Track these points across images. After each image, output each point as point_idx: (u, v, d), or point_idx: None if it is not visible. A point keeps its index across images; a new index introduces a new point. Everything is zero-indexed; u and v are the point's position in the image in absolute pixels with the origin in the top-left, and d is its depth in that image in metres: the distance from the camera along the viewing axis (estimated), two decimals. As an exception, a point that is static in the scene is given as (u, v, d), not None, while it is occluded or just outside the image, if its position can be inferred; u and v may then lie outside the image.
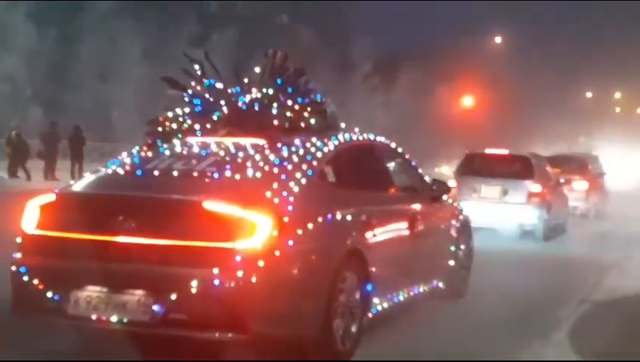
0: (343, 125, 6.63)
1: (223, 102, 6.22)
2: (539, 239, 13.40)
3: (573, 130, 43.58)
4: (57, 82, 36.54)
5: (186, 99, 6.30)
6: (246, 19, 44.89)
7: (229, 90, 6.30)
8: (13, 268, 5.24)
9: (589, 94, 56.47)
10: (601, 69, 47.20)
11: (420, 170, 7.54)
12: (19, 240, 5.31)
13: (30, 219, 5.28)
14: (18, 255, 5.28)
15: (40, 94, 36.07)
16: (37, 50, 34.98)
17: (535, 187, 13.98)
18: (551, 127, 44.71)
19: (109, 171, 5.71)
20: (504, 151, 15.35)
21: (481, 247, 8.73)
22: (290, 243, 5.01)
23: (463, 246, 7.92)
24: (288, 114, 6.16)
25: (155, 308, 4.83)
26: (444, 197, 7.68)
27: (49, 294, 5.03)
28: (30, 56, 34.57)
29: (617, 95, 64.03)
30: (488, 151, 15.43)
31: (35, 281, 5.09)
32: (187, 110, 6.26)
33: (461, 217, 8.02)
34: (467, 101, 48.76)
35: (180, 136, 6.16)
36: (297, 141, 5.89)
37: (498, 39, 49.16)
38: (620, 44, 49.39)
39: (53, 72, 36.63)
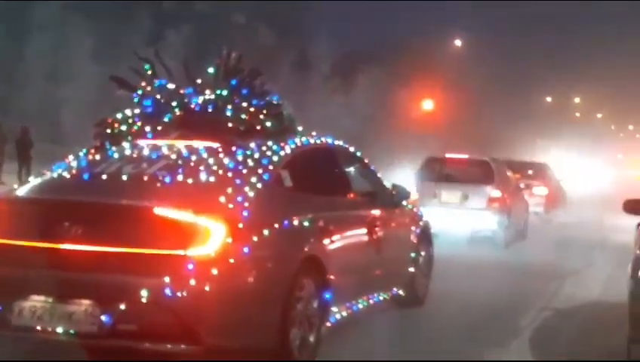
0: (300, 128, 6.47)
1: (174, 104, 6.03)
2: (499, 245, 13.38)
3: (534, 134, 44.05)
4: (3, 81, 35.72)
5: (136, 99, 6.08)
6: (202, 17, 44.39)
7: (182, 91, 6.11)
8: (-47, 276, 4.98)
9: (548, 99, 57.18)
10: (561, 75, 47.91)
11: (379, 175, 7.41)
12: None
13: None
14: (-42, 263, 5.02)
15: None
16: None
17: (495, 192, 13.95)
18: (511, 132, 45.14)
19: (55, 175, 5.49)
20: (464, 156, 15.30)
21: (441, 254, 8.65)
22: (245, 250, 4.86)
23: (423, 253, 7.84)
24: (243, 116, 5.99)
25: (104, 318, 4.65)
26: (404, 202, 7.57)
27: None
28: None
29: (577, 100, 65.03)
30: (448, 155, 15.38)
31: None
32: (137, 111, 6.05)
33: (421, 223, 7.93)
34: (427, 104, 49.00)
35: (129, 138, 5.93)
36: (253, 144, 5.74)
37: (458, 42, 49.47)
38: (580, 50, 50.20)
39: (-1, 69, 35.79)
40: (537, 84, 50.36)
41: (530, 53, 48.52)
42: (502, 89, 47.67)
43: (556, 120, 49.69)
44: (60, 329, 4.69)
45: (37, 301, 4.76)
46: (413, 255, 7.56)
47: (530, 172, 20.05)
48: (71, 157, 5.72)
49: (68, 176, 5.42)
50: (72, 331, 4.68)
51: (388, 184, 7.43)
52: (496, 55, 48.25)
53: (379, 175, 7.44)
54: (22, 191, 5.43)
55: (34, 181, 5.55)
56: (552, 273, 10.23)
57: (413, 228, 7.70)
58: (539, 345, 6.46)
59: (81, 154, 5.76)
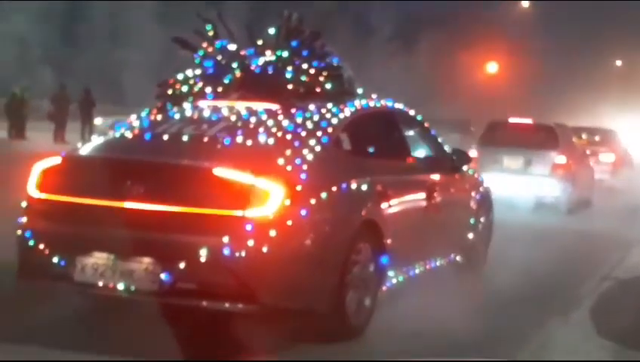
0: (360, 91, 6.42)
1: (235, 65, 6.03)
2: (562, 213, 13.13)
3: (602, 100, 42.89)
4: (67, 43, 36.32)
5: (197, 61, 6.10)
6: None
7: (242, 53, 6.10)
8: (19, 232, 5.14)
9: (618, 63, 55.49)
10: (633, 38, 46.26)
11: (439, 139, 7.33)
12: (24, 204, 5.19)
13: (36, 183, 5.15)
14: (23, 219, 5.18)
15: (49, 55, 35.86)
16: (46, 10, 34.70)
17: (560, 158, 13.67)
18: (578, 96, 44.05)
19: (117, 135, 5.56)
20: (528, 121, 15.00)
21: (502, 220, 8.54)
22: (303, 212, 4.86)
23: (482, 219, 7.75)
24: (303, 78, 5.95)
25: (163, 276, 4.72)
26: (465, 167, 7.48)
27: (55, 260, 4.94)
28: (39, 16, 34.31)
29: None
30: (511, 120, 15.10)
31: (41, 246, 5.00)
32: (198, 72, 6.07)
33: (482, 189, 7.84)
34: (491, 68, 48.08)
35: (190, 99, 5.97)
36: (312, 107, 5.71)
37: (525, 4, 48.22)
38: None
39: (62, 33, 36.37)
40: (607, 47, 48.85)
41: (600, 15, 46.99)
42: (570, 52, 46.42)
43: (626, 85, 48.21)
44: (120, 286, 4.77)
45: (99, 257, 4.85)
46: (472, 221, 7.49)
47: (596, 138, 19.61)
48: (133, 117, 5.80)
49: (130, 136, 5.49)
50: (132, 288, 4.76)
51: (448, 149, 7.34)
52: (564, 16, 46.88)
53: (439, 139, 7.36)
54: (85, 149, 5.52)
55: (97, 140, 5.64)
56: (616, 242, 10.01)
57: (473, 193, 7.62)
58: (599, 315, 6.33)
59: (143, 114, 5.83)
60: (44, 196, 5.12)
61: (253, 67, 6.02)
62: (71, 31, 36.68)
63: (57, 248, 4.95)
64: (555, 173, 13.47)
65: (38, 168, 5.19)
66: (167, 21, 31.13)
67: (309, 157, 5.12)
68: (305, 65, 6.00)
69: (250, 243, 4.66)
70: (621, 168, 19.21)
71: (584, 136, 18.91)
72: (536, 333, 5.68)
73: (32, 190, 5.17)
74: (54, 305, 5.33)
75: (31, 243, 5.03)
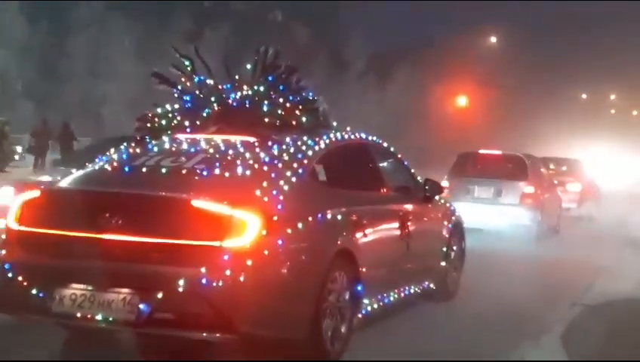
0: (334, 123, 6.57)
1: (213, 99, 6.15)
2: (531, 241, 13.34)
3: (569, 131, 43.58)
4: (48, 77, 36.34)
5: (176, 95, 6.22)
6: (240, 15, 44.74)
7: (220, 87, 6.23)
8: (-3, 264, 5.15)
9: (584, 95, 56.48)
10: (597, 71, 47.22)
11: (412, 170, 7.48)
12: (3, 236, 5.22)
13: (15, 215, 5.19)
14: (2, 251, 5.20)
15: (31, 89, 35.86)
16: (28, 45, 34.78)
17: (529, 188, 13.92)
18: (546, 128, 44.72)
19: (96, 167, 5.63)
20: (497, 152, 15.28)
21: (473, 248, 8.67)
22: (280, 242, 4.95)
23: (455, 247, 7.88)
24: (279, 111, 6.09)
25: (142, 306, 4.75)
26: (437, 197, 7.62)
27: (33, 291, 4.95)
28: (21, 50, 34.36)
29: (612, 97, 64.00)
30: (481, 151, 15.37)
31: (20, 278, 5.01)
32: (177, 106, 6.18)
33: (453, 218, 7.98)
34: (461, 101, 48.71)
35: (169, 132, 6.07)
36: (288, 139, 5.83)
37: (493, 39, 49.13)
38: (615, 47, 49.36)
39: (44, 66, 36.43)
40: (572, 81, 49.76)
41: (566, 50, 47.93)
42: (537, 85, 47.20)
43: (591, 117, 49.05)
44: (99, 317, 4.80)
45: (77, 289, 4.87)
46: (445, 249, 7.62)
47: (563, 168, 19.96)
48: (112, 150, 5.87)
49: (109, 169, 5.56)
50: (110, 318, 4.78)
51: (420, 179, 7.49)
52: (530, 52, 47.76)
53: (412, 170, 7.51)
54: (64, 182, 5.56)
55: (76, 173, 5.69)
56: (584, 269, 10.20)
57: (445, 222, 7.75)
58: (569, 341, 6.43)
59: (122, 147, 5.91)
60: (22, 228, 5.15)
61: (230, 101, 6.15)
62: (51, 65, 36.71)
63: (36, 280, 4.97)
64: (525, 203, 13.72)
65: (17, 201, 5.24)
66: (146, 56, 31.30)
67: (285, 188, 5.21)
68: (281, 99, 6.13)
69: (228, 273, 4.71)
70: (587, 197, 19.54)
71: (552, 166, 19.23)
72: (508, 358, 5.77)
73: (11, 222, 5.20)
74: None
75: (9, 275, 5.04)
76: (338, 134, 6.35)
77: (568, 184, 18.74)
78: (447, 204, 8.17)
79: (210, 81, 6.25)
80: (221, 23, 41.07)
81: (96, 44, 37.10)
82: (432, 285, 7.35)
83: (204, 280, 4.69)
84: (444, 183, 12.07)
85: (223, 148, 5.65)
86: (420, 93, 44.97)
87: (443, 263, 7.56)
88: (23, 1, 35.10)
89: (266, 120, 6.03)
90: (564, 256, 11.60)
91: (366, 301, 5.90)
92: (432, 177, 7.82)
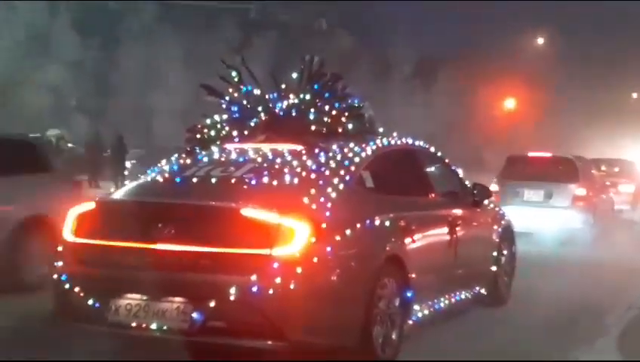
0: (381, 129, 6.59)
1: (260, 109, 6.22)
2: (584, 244, 13.15)
3: (621, 132, 42.83)
4: (100, 91, 37.08)
5: (224, 105, 6.31)
6: (285, 25, 45.08)
7: (267, 97, 6.29)
8: (55, 276, 5.28)
9: (634, 95, 55.44)
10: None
11: (460, 175, 7.45)
12: (60, 248, 5.35)
13: (70, 227, 5.31)
14: (59, 263, 5.32)
15: (84, 103, 36.63)
16: (80, 59, 35.52)
17: (580, 190, 13.73)
18: (596, 130, 44.03)
19: (149, 178, 5.74)
20: (547, 154, 15.10)
21: (524, 253, 8.59)
22: (329, 249, 4.96)
23: (505, 252, 7.82)
24: (326, 119, 6.13)
25: (195, 315, 4.81)
26: (486, 201, 7.58)
27: (89, 302, 5.06)
28: (74, 66, 35.10)
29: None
30: (531, 154, 15.20)
31: (76, 289, 5.12)
32: (225, 117, 6.27)
33: (503, 222, 7.91)
34: (509, 103, 48.21)
35: (218, 142, 6.16)
36: (335, 146, 5.87)
37: (540, 40, 48.51)
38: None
39: (96, 81, 37.18)
40: (622, 81, 48.88)
41: (615, 49, 47.11)
42: (585, 86, 46.49)
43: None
44: (153, 326, 4.87)
45: (132, 299, 4.96)
46: (495, 254, 7.56)
47: (616, 169, 19.65)
48: (163, 161, 5.98)
49: (161, 180, 5.64)
50: (164, 327, 4.85)
51: (469, 183, 7.46)
52: (579, 52, 47.07)
53: (460, 174, 7.48)
54: (117, 194, 5.70)
55: (129, 184, 5.81)
56: (638, 271, 10.02)
57: (495, 227, 7.70)
58: (626, 344, 6.36)
59: (173, 158, 6.01)
60: (78, 240, 5.26)
61: (277, 110, 6.21)
62: (103, 78, 37.48)
63: (92, 290, 5.08)
64: (576, 205, 13.53)
65: (72, 213, 5.36)
66: (195, 67, 31.72)
67: (333, 195, 5.24)
68: (327, 107, 6.17)
69: (278, 280, 4.74)
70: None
71: (603, 167, 18.95)
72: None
73: (67, 234, 5.32)
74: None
75: (66, 286, 5.17)
76: (384, 140, 6.35)
77: (621, 185, 18.43)
78: (497, 208, 8.11)
79: (257, 91, 6.32)
80: (267, 33, 41.43)
81: (146, 57, 37.75)
82: (482, 290, 7.30)
83: (254, 289, 4.73)
84: (494, 187, 12.00)
85: (270, 157, 5.71)
86: (467, 96, 44.66)
87: (493, 268, 7.51)
88: (74, 16, 35.88)
89: (313, 128, 6.07)
90: (617, 259, 11.38)
91: (416, 307, 5.88)
92: (481, 181, 7.77)
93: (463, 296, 6.88)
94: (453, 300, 6.67)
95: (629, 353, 6.09)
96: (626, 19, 46.03)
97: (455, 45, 45.93)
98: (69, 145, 26.59)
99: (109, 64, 37.60)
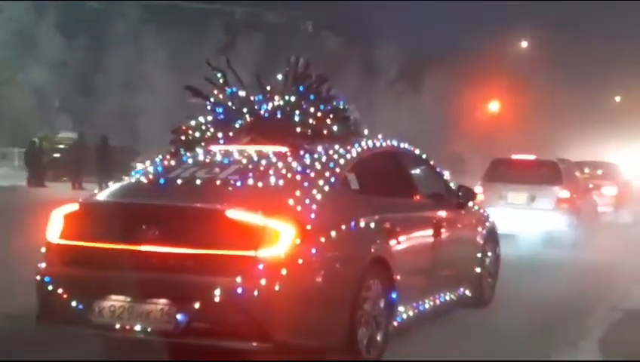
0: (366, 132, 6.60)
1: (245, 110, 6.21)
2: (567, 246, 13.23)
3: (604, 135, 43.14)
4: (85, 92, 36.97)
5: (209, 107, 6.30)
6: (271, 27, 45.08)
7: (252, 98, 6.29)
8: (38, 277, 5.25)
9: (617, 98, 55.81)
10: (630, 73, 46.62)
11: (445, 177, 7.48)
12: (43, 250, 5.32)
13: (54, 229, 5.29)
14: (42, 265, 5.30)
15: (68, 104, 36.49)
16: (65, 60, 35.40)
17: (563, 193, 13.82)
18: (580, 132, 44.32)
19: (133, 180, 5.72)
20: (531, 157, 15.18)
21: (508, 254, 8.63)
22: (314, 251, 4.97)
23: (489, 254, 7.86)
24: (311, 121, 6.13)
25: (179, 317, 4.81)
26: (470, 203, 7.61)
27: (73, 303, 5.04)
28: (58, 66, 34.97)
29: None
30: (515, 156, 15.28)
31: (60, 291, 5.10)
32: (210, 118, 6.26)
33: (487, 224, 7.95)
34: (494, 106, 48.44)
35: (202, 144, 6.15)
36: (320, 148, 5.87)
37: (524, 43, 48.80)
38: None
39: (80, 82, 37.07)
40: (605, 84, 49.24)
41: (598, 52, 47.42)
42: (569, 89, 46.78)
43: (625, 119, 48.44)
44: (137, 328, 4.86)
45: (116, 300, 4.94)
46: (479, 255, 7.60)
47: (599, 172, 19.77)
48: (147, 163, 5.96)
49: (145, 181, 5.63)
50: (149, 329, 4.85)
51: (454, 185, 7.49)
52: (562, 55, 47.35)
53: (445, 177, 7.51)
54: (101, 195, 5.67)
55: (113, 186, 5.79)
56: (621, 273, 10.08)
57: (479, 228, 7.73)
58: (608, 345, 6.40)
59: (157, 160, 6.00)
60: (62, 242, 5.24)
61: (262, 112, 6.20)
62: (88, 80, 37.36)
63: (75, 292, 5.06)
64: (560, 208, 13.61)
65: (56, 214, 5.33)
66: (180, 69, 31.69)
67: (318, 197, 5.24)
68: (312, 109, 6.17)
69: (263, 282, 4.75)
70: (624, 201, 19.32)
71: (586, 170, 19.06)
72: (546, 364, 5.76)
73: (51, 236, 5.30)
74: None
75: (50, 287, 5.14)
76: (370, 142, 6.37)
77: (604, 188, 18.55)
78: (481, 210, 8.14)
79: (242, 93, 6.31)
80: (252, 35, 41.43)
81: (131, 59, 37.65)
82: (467, 292, 7.33)
83: (239, 290, 4.73)
84: (478, 189, 12.04)
85: (255, 158, 5.71)
86: (452, 99, 44.84)
87: (478, 269, 7.54)
88: (59, 16, 35.74)
89: (298, 130, 6.07)
90: (601, 260, 11.47)
91: (401, 308, 5.90)
92: (465, 183, 7.79)
93: (447, 298, 6.91)
94: (437, 301, 6.69)
95: (611, 355, 6.13)
96: (609, 23, 46.36)
97: (440, 48, 46.11)
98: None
99: (94, 65, 37.50)
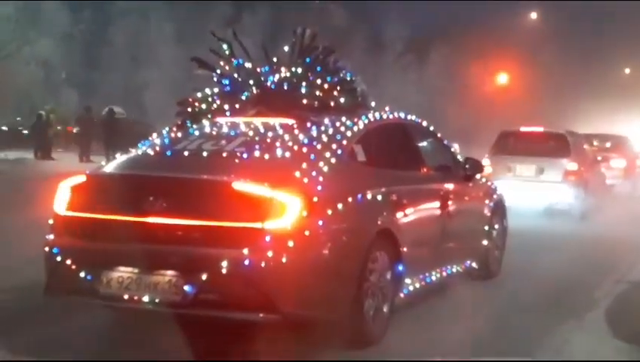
0: (373, 104, 6.57)
1: (251, 82, 6.19)
2: (575, 218, 13.22)
3: (613, 107, 42.90)
4: (91, 65, 36.91)
5: (215, 79, 6.28)
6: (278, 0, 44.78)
7: (258, 70, 6.26)
8: (46, 249, 5.28)
9: (627, 70, 55.39)
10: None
11: (452, 149, 7.45)
12: (51, 221, 5.34)
13: (62, 201, 5.30)
14: (50, 236, 5.32)
15: (74, 78, 36.44)
16: (70, 33, 35.30)
17: (572, 165, 13.77)
18: (589, 105, 44.08)
19: (139, 152, 5.72)
20: (539, 129, 15.10)
21: (516, 227, 8.62)
22: (320, 223, 4.97)
23: (496, 226, 7.86)
24: (317, 93, 6.11)
25: (187, 288, 4.82)
26: (478, 176, 7.59)
27: (81, 274, 5.06)
28: (64, 40, 34.87)
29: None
30: (523, 129, 15.20)
31: (68, 262, 5.12)
32: (216, 90, 6.24)
33: (495, 196, 7.94)
34: (502, 78, 48.16)
35: (209, 116, 6.14)
36: (327, 120, 5.85)
37: (534, 15, 48.37)
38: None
39: (86, 55, 36.99)
40: (615, 55, 48.84)
41: (608, 23, 46.98)
42: (578, 60, 46.44)
43: (636, 92, 48.10)
44: (145, 299, 4.88)
45: (124, 271, 4.96)
46: (486, 228, 7.59)
47: (608, 145, 19.68)
48: (154, 135, 5.96)
49: (152, 153, 5.63)
50: (156, 300, 4.86)
51: (461, 158, 7.47)
52: (572, 26, 46.92)
53: (452, 149, 7.49)
54: (109, 167, 5.66)
55: (120, 158, 5.79)
56: (628, 246, 10.07)
57: (486, 201, 7.72)
58: (614, 317, 6.39)
59: (164, 132, 5.99)
60: (69, 213, 5.25)
61: (269, 84, 6.18)
62: (94, 53, 37.25)
63: (84, 263, 5.08)
64: (568, 180, 13.57)
65: (63, 187, 5.34)
66: (187, 41, 31.55)
67: (325, 169, 5.23)
68: (319, 81, 6.15)
69: (270, 254, 4.76)
70: (632, 173, 19.25)
71: (595, 142, 18.97)
72: (552, 336, 5.75)
73: (58, 208, 5.31)
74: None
75: (58, 259, 5.16)
76: (377, 114, 6.34)
77: (612, 160, 18.47)
78: (489, 183, 8.13)
79: (248, 64, 6.29)
80: (260, 7, 41.16)
81: (138, 31, 37.51)
82: (474, 264, 7.34)
83: (246, 262, 4.74)
84: (485, 162, 12.01)
85: (262, 130, 5.69)
86: (460, 71, 44.60)
87: (485, 242, 7.54)
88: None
89: (305, 101, 6.05)
90: (608, 233, 11.45)
91: (408, 280, 5.91)
92: (473, 156, 7.77)
93: (454, 270, 6.92)
94: (444, 274, 6.70)
95: (617, 327, 6.12)
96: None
97: (448, 20, 45.71)
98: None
99: (100, 38, 37.38)
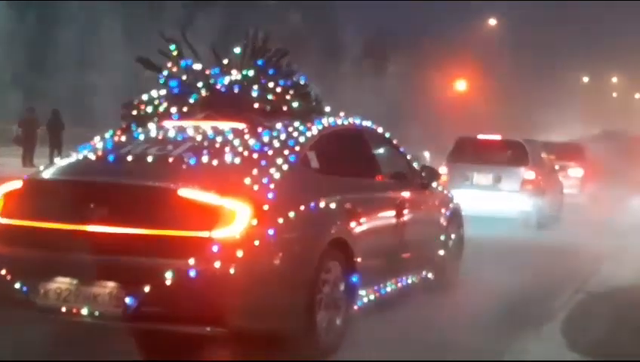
0: (327, 109, 6.40)
1: (200, 84, 5.99)
2: (533, 228, 13.21)
3: (571, 116, 43.55)
4: (36, 68, 36.31)
5: (162, 80, 6.05)
6: (231, 0, 44.47)
7: (208, 72, 6.06)
8: (-21, 258, 5.01)
9: (585, 79, 56.31)
10: (598, 54, 47.08)
11: (408, 157, 7.32)
12: None
13: None
14: (-16, 244, 5.05)
15: (19, 80, 35.77)
16: (16, 35, 34.70)
17: (529, 174, 13.77)
18: (547, 113, 44.67)
19: (80, 156, 5.48)
20: (497, 137, 15.08)
21: (473, 236, 8.54)
22: (271, 232, 4.80)
23: (453, 236, 7.77)
24: (270, 96, 5.94)
25: (128, 300, 4.64)
26: (434, 184, 7.48)
27: (17, 285, 4.86)
28: (9, 41, 34.25)
29: (614, 80, 63.78)
30: (480, 136, 15.17)
31: (3, 272, 4.90)
32: (163, 92, 6.02)
33: (451, 205, 7.86)
34: (460, 85, 48.59)
35: (155, 119, 5.91)
36: (279, 125, 5.68)
37: (492, 21, 48.92)
38: (617, 28, 49.10)
39: (32, 57, 36.38)
40: (574, 64, 49.68)
41: (566, 32, 47.78)
42: (537, 68, 47.09)
43: (593, 100, 48.91)
44: (84, 311, 4.69)
45: (62, 282, 4.77)
46: (443, 237, 7.50)
47: (565, 153, 19.79)
48: (97, 138, 5.72)
49: (93, 158, 5.41)
50: (96, 313, 4.68)
51: (417, 165, 7.36)
52: (531, 34, 47.60)
53: (408, 156, 7.36)
54: (47, 172, 5.44)
55: (59, 162, 5.57)
56: (586, 255, 10.06)
57: (443, 210, 7.63)
58: (572, 328, 6.35)
59: (107, 135, 5.76)
60: (5, 221, 5.04)
61: (218, 86, 5.99)
62: (40, 55, 36.64)
63: (19, 273, 4.87)
64: (525, 189, 13.57)
65: None
66: (135, 43, 31.12)
67: (276, 176, 5.08)
68: (271, 84, 5.98)
69: (217, 264, 4.59)
70: (590, 182, 19.39)
71: (553, 151, 19.05)
72: (510, 346, 5.68)
73: (-6, 214, 5.07)
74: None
75: (-8, 268, 4.92)
76: (331, 120, 6.20)
77: (570, 169, 18.59)
78: (445, 191, 8.03)
79: (197, 66, 6.08)
80: (213, 8, 40.84)
81: (85, 34, 36.98)
82: (430, 274, 7.21)
83: (192, 272, 4.57)
84: (442, 169, 11.94)
85: (211, 135, 5.51)
86: (418, 78, 44.82)
87: (441, 252, 7.44)
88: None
89: (256, 105, 5.88)
90: (565, 242, 11.47)
91: (362, 292, 5.77)
92: (430, 163, 7.66)
93: (410, 281, 6.80)
94: (400, 285, 6.59)
95: (574, 337, 6.06)
96: (579, 4, 46.59)
97: (407, 25, 46.02)
98: None
99: (46, 39, 36.78)
